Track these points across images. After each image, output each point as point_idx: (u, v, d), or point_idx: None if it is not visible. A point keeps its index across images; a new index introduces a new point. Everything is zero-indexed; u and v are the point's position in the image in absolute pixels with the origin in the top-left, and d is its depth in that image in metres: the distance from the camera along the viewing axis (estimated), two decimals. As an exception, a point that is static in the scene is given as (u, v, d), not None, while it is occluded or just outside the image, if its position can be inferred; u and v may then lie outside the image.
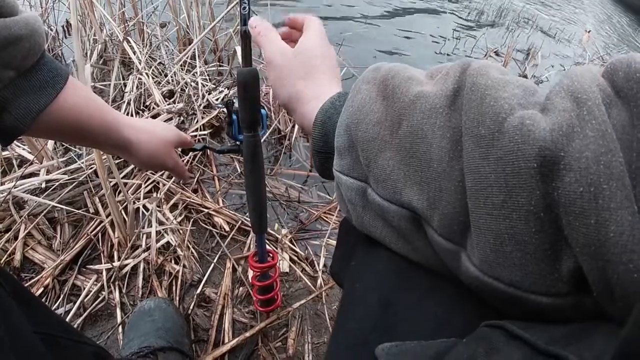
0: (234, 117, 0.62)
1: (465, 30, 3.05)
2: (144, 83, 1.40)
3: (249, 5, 0.53)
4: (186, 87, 1.44)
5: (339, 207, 0.45)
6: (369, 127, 0.31)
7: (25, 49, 0.41)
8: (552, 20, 3.88)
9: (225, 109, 0.63)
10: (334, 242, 1.05)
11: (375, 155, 0.31)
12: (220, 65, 1.76)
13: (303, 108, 0.42)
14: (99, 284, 0.90)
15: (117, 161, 1.13)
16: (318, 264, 1.01)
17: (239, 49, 1.52)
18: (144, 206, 1.06)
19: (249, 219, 1.06)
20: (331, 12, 2.76)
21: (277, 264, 0.79)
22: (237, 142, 0.65)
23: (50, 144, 1.12)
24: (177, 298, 0.90)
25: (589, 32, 3.51)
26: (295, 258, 1.03)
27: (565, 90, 0.24)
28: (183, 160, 1.22)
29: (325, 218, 1.15)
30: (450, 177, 0.27)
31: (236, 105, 0.60)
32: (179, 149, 0.75)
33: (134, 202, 1.05)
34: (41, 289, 0.87)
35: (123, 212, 0.99)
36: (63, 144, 1.20)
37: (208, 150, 1.23)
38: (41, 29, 0.43)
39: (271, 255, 0.78)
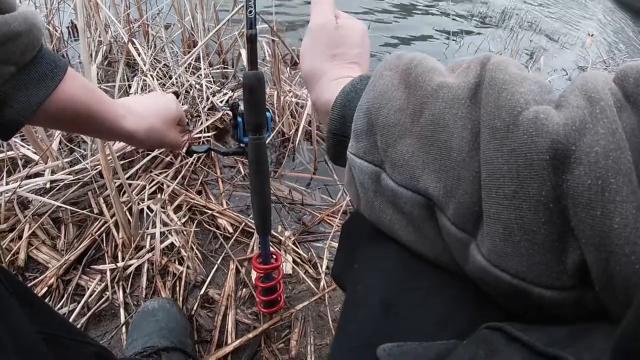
0: (239, 119, 0.63)
1: (468, 34, 3.05)
2: (149, 85, 1.41)
3: (255, 8, 0.53)
4: (191, 89, 1.44)
5: (348, 192, 0.45)
6: (390, 113, 0.31)
7: (24, 44, 0.41)
8: (556, 24, 3.87)
9: (230, 112, 0.63)
10: (336, 245, 1.05)
11: (395, 141, 0.31)
12: (224, 68, 1.77)
13: (323, 88, 0.42)
14: (102, 284, 0.90)
15: (121, 162, 1.14)
16: (321, 266, 1.01)
17: (244, 52, 1.53)
18: (149, 207, 1.07)
19: (252, 221, 1.07)
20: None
21: (281, 265, 0.80)
22: (242, 145, 0.65)
23: (55, 144, 1.13)
24: (181, 299, 0.91)
25: (591, 35, 3.51)
26: (299, 260, 1.03)
27: (579, 89, 0.25)
28: (187, 162, 1.23)
29: (328, 220, 1.15)
30: (469, 167, 0.27)
31: (241, 107, 0.61)
32: (183, 150, 0.75)
33: (139, 203, 1.05)
34: (45, 289, 0.87)
35: (127, 213, 0.99)
36: (68, 144, 1.21)
37: (212, 152, 1.24)
38: (39, 23, 0.43)
39: (275, 257, 0.78)
